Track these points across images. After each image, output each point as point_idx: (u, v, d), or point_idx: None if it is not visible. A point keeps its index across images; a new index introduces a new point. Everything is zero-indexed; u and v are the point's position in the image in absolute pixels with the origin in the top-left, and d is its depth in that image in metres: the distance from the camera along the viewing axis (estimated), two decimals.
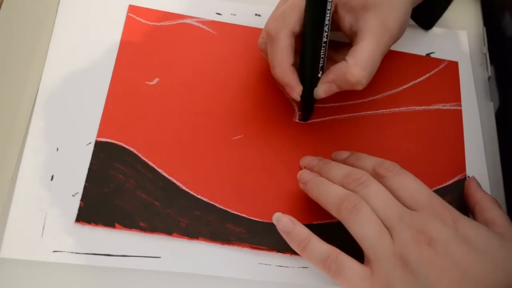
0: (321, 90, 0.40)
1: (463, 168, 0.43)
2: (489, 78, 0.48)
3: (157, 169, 0.40)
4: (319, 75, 0.39)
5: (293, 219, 0.36)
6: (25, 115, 0.41)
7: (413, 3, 0.43)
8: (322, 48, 0.37)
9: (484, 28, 0.50)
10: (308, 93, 0.40)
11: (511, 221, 0.36)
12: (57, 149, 0.40)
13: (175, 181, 0.40)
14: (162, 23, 0.45)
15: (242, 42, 0.46)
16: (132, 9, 0.46)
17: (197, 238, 0.38)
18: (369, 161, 0.38)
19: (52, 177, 0.39)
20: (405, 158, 0.43)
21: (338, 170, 0.38)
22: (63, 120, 0.41)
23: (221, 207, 0.39)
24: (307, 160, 0.41)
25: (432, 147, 0.44)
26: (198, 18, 0.46)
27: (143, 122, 0.41)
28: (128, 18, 0.45)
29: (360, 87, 0.38)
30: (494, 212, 0.37)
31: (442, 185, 0.43)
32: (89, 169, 0.39)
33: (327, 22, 0.36)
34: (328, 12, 0.35)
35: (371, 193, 0.35)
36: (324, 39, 0.37)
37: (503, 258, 0.31)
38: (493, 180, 0.44)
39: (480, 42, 0.50)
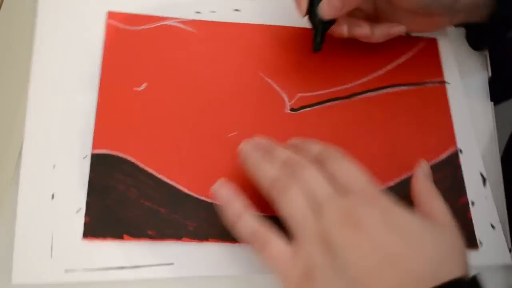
0: (325, 4, 0.40)
1: (453, 142, 0.44)
2: (489, 78, 0.49)
3: (157, 175, 0.40)
4: None
5: (231, 193, 0.36)
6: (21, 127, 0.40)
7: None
8: None
9: None
10: (314, 12, 0.41)
11: (449, 212, 0.35)
12: (54, 166, 0.39)
13: (177, 185, 0.39)
14: (143, 27, 0.45)
15: (224, 39, 0.46)
16: (111, 15, 0.45)
17: (207, 240, 0.38)
18: (315, 146, 0.38)
19: (53, 195, 0.38)
20: (395, 137, 0.44)
21: (281, 152, 0.37)
22: (55, 136, 0.40)
23: None
24: (256, 140, 0.41)
25: (420, 124, 0.45)
26: (178, 18, 0.46)
27: (136, 129, 0.41)
28: (108, 26, 0.44)
29: None
30: (433, 204, 0.36)
31: (435, 161, 0.43)
32: (89, 183, 0.38)
33: None
34: None
35: (305, 176, 0.35)
36: None
37: (428, 245, 0.31)
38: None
39: None
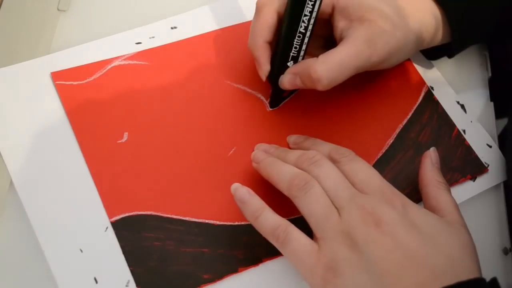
0: (286, 79, 0.40)
1: (422, 82, 0.47)
2: (489, 78, 0.49)
3: (184, 218, 0.39)
4: (289, 64, 0.40)
5: (251, 191, 0.36)
6: None
7: (418, 44, 0.42)
8: (297, 38, 0.38)
9: None
10: (275, 79, 0.41)
11: (458, 209, 0.37)
12: (81, 251, 0.36)
13: (206, 220, 0.39)
14: (94, 77, 0.42)
15: (178, 59, 0.45)
16: (55, 76, 0.41)
17: (261, 261, 0.38)
18: (325, 146, 0.39)
19: (96, 279, 0.36)
20: (372, 106, 0.46)
21: (293, 153, 0.38)
22: (65, 220, 0.37)
23: None
24: (262, 147, 0.41)
25: (390, 85, 0.47)
26: (122, 56, 0.44)
27: (140, 181, 0.39)
28: (58, 86, 0.41)
29: (320, 87, 0.38)
30: (441, 199, 0.37)
31: (415, 106, 0.46)
32: (124, 253, 0.37)
33: (307, 13, 0.37)
34: (309, 3, 0.36)
35: (323, 173, 0.35)
36: (302, 29, 0.37)
37: (446, 244, 0.33)
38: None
39: (481, 44, 0.50)
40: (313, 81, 0.38)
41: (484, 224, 0.43)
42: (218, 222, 0.39)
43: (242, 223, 0.39)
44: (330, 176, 0.35)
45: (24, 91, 0.41)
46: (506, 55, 0.48)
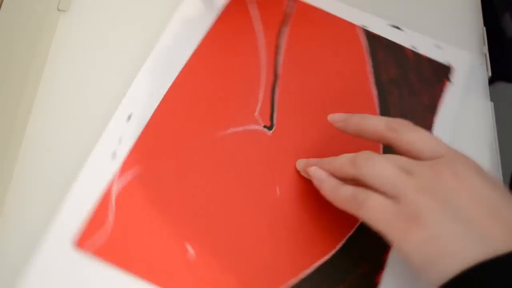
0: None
1: (353, 26, 0.48)
2: (489, 78, 0.48)
3: None
4: None
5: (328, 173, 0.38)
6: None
7: None
8: None
9: (484, 28, 0.50)
10: None
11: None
12: None
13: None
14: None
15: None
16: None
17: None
18: (378, 118, 0.38)
19: None
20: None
21: (343, 156, 0.38)
22: None
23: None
24: (303, 162, 0.41)
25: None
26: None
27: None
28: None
29: None
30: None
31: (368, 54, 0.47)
32: None
33: None
34: None
35: (385, 156, 0.35)
36: None
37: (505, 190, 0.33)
38: None
39: (480, 42, 0.50)
40: None
41: None
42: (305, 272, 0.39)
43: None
44: (395, 155, 0.35)
45: None
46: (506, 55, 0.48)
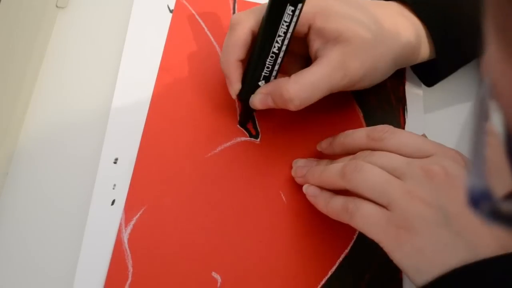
0: (257, 99, 0.39)
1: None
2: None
3: None
4: (260, 83, 0.39)
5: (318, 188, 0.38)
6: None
7: (397, 63, 0.41)
8: (270, 58, 0.37)
9: None
10: (246, 97, 0.40)
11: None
12: None
13: None
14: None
15: None
16: None
17: None
18: (359, 132, 0.38)
19: None
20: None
21: (332, 167, 0.38)
22: None
23: None
24: (299, 163, 0.42)
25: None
26: None
27: None
28: None
29: (292, 106, 0.38)
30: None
31: None
32: None
33: (281, 34, 0.36)
34: (284, 24, 0.36)
35: (375, 158, 0.35)
36: (275, 50, 0.37)
37: None
38: None
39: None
40: (285, 101, 0.37)
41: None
42: None
43: None
44: (382, 156, 0.35)
45: None
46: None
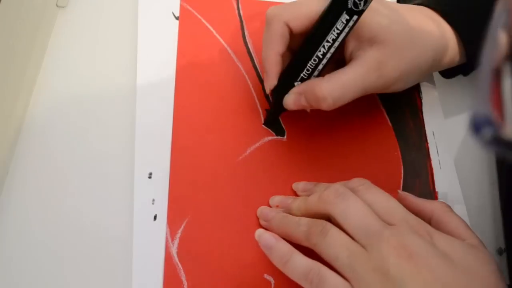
0: (290, 98, 0.39)
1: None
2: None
3: None
4: (296, 84, 0.39)
5: (276, 236, 0.37)
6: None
7: (431, 67, 0.41)
8: (312, 61, 0.37)
9: None
10: (278, 95, 0.40)
11: (470, 228, 0.35)
12: None
13: None
14: None
15: None
16: None
17: None
18: (336, 184, 0.37)
19: None
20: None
21: (313, 196, 0.37)
22: None
23: None
24: (276, 199, 0.41)
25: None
26: None
27: None
28: None
29: (325, 105, 0.37)
30: (454, 223, 0.35)
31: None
32: None
33: (329, 40, 0.36)
34: (335, 31, 0.36)
35: (349, 208, 0.34)
36: (320, 54, 0.37)
37: (478, 271, 0.31)
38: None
39: None
40: (318, 100, 0.37)
41: (478, 224, 0.43)
42: None
43: None
44: (357, 210, 0.34)
45: None
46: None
